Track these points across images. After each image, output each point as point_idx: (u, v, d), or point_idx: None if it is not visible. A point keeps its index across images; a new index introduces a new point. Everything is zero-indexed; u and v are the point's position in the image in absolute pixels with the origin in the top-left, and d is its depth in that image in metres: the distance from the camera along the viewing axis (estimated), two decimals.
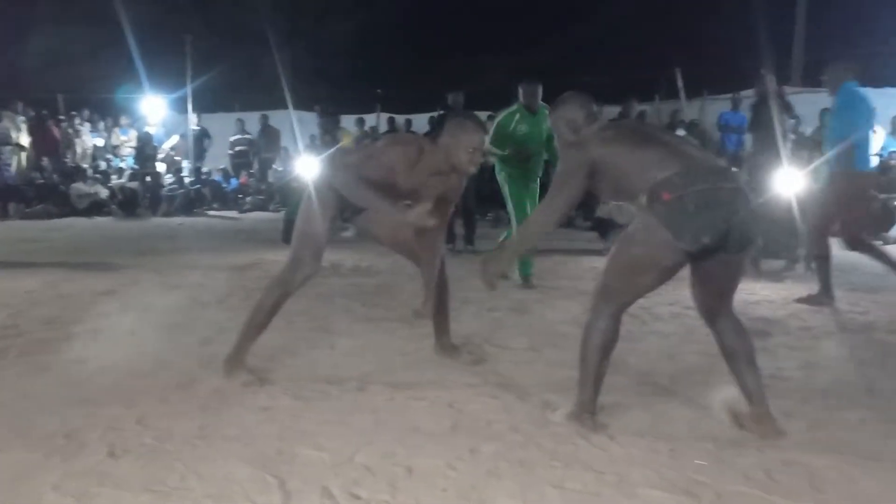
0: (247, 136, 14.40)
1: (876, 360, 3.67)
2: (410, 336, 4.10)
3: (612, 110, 11.97)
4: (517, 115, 5.74)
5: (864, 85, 7.26)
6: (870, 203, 5.01)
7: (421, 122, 13.92)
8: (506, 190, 5.82)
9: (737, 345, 2.74)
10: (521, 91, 5.74)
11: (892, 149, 9.96)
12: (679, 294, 5.16)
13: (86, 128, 14.18)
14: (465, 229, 7.92)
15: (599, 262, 6.71)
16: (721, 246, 2.53)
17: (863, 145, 5.06)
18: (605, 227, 7.86)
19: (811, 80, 13.59)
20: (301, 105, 14.54)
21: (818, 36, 15.15)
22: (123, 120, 14.58)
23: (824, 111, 10.57)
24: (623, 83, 11.49)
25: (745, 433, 2.66)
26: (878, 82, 11.25)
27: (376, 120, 14.77)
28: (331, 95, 17.14)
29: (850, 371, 3.48)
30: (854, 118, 5.02)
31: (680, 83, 12.35)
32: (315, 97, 16.28)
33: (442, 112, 8.06)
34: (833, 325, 4.44)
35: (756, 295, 5.36)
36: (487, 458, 2.44)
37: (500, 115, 5.84)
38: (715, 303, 2.76)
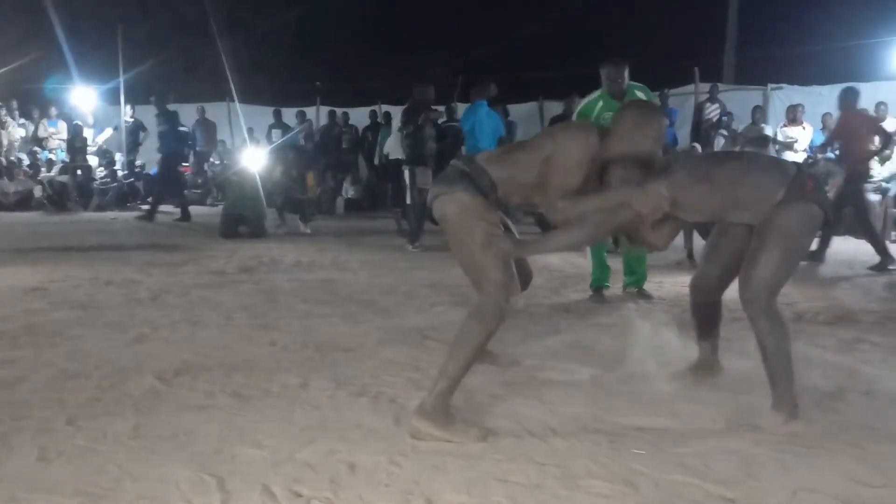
0: (182, 128, 14.06)
1: (803, 349, 3.78)
2: (353, 332, 4.07)
3: (555, 106, 12.15)
4: (600, 103, 4.88)
5: (794, 84, 7.65)
6: None
7: (360, 115, 13.85)
8: None
9: (719, 317, 3.20)
10: (602, 75, 4.93)
11: (818, 143, 10.32)
12: (618, 287, 5.26)
13: (12, 119, 13.62)
14: (412, 225, 7.73)
15: (547, 258, 6.82)
16: None
17: (483, 140, 7.64)
18: (547, 225, 7.92)
19: (743, 78, 14.03)
20: (240, 98, 14.28)
21: (749, 36, 15.61)
22: (52, 111, 14.05)
23: (756, 108, 10.94)
24: (565, 79, 11.63)
25: (683, 423, 2.73)
26: (806, 81, 11.67)
27: (316, 113, 14.60)
28: (270, 88, 16.90)
29: None
30: (472, 122, 7.90)
31: (626, 77, 12.56)
32: (254, 90, 16.03)
33: (408, 106, 7.90)
34: None
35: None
36: (431, 452, 2.44)
37: (582, 103, 5.07)
38: (731, 280, 3.01)
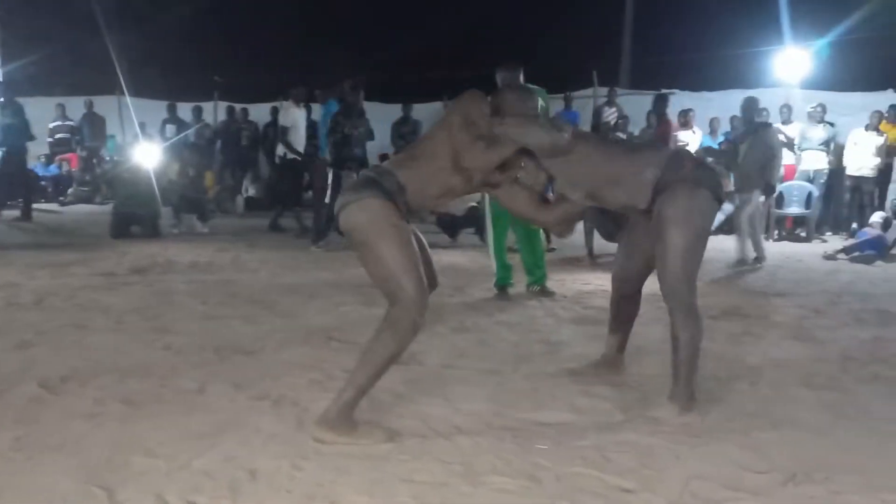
0: (68, 122, 13.35)
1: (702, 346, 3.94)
2: (253, 334, 3.96)
3: None
4: None
5: (685, 89, 8.01)
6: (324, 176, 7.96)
7: (260, 111, 13.53)
8: (485, 203, 5.25)
9: (634, 313, 3.29)
10: (498, 78, 4.94)
11: (706, 146, 10.82)
12: (523, 286, 5.34)
13: None
14: (318, 225, 7.64)
15: (451, 257, 6.86)
16: None
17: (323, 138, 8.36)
18: (448, 225, 7.95)
19: (638, 83, 14.55)
20: (132, 91, 13.68)
21: (644, 44, 16.23)
22: None
23: (650, 112, 11.34)
24: (470, 80, 11.70)
25: (583, 417, 2.80)
26: (696, 87, 12.20)
27: (214, 108, 14.16)
28: (164, 81, 16.26)
29: None
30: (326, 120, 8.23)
31: (521, 80, 12.77)
32: (147, 83, 15.40)
33: (341, 109, 7.87)
34: (660, 312, 4.74)
35: (590, 284, 5.65)
36: (334, 455, 2.40)
37: None
38: (648, 274, 3.11)
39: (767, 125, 7.83)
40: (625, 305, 3.27)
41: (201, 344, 3.73)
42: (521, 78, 5.00)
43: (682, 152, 2.90)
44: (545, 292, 5.21)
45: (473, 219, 7.66)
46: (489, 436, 2.59)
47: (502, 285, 5.22)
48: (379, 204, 2.58)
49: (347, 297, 4.95)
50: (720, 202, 2.85)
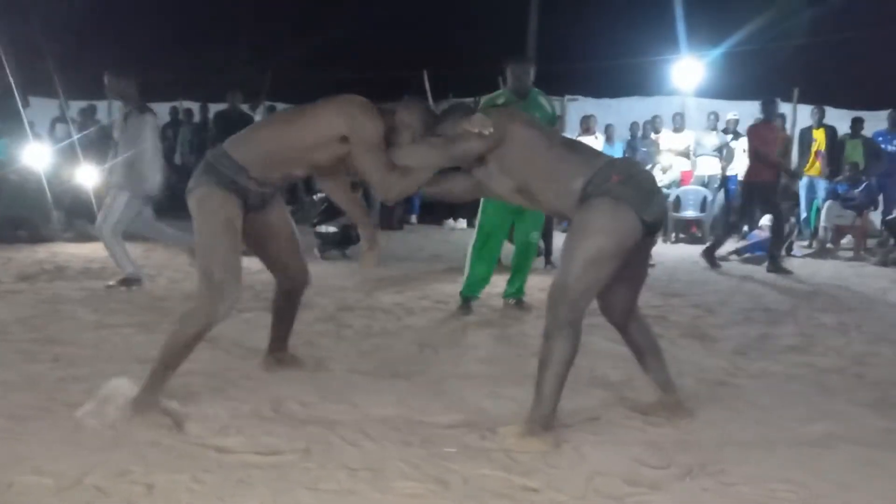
0: None
1: (597, 342, 4.01)
2: (150, 343, 3.79)
3: None
4: (500, 100, 4.69)
5: (588, 96, 8.01)
6: None
7: (157, 111, 13.06)
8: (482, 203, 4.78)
9: (648, 342, 2.95)
10: (508, 72, 4.74)
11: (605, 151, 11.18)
12: (430, 289, 5.35)
13: None
14: None
15: (336, 267, 6.79)
16: (658, 224, 2.69)
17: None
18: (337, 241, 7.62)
19: (543, 89, 14.87)
20: (26, 89, 12.92)
21: (548, 51, 16.59)
22: None
23: (555, 117, 11.59)
24: (374, 82, 11.68)
25: (490, 418, 2.81)
26: (598, 93, 12.56)
27: (108, 107, 13.56)
28: (54, 78, 15.47)
29: (580, 357, 3.80)
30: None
31: (427, 85, 12.84)
32: (36, 79, 14.61)
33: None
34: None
35: (498, 287, 5.71)
36: (236, 466, 2.32)
37: (482, 101, 4.87)
38: (630, 299, 2.87)
39: (146, 109, 5.58)
40: (629, 336, 2.95)
41: (93, 354, 3.55)
42: (532, 74, 4.82)
43: (615, 164, 2.67)
44: (521, 306, 4.96)
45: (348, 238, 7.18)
46: (397, 441, 2.57)
47: (468, 296, 4.86)
48: (206, 190, 2.76)
49: (250, 304, 4.82)
50: (645, 221, 2.58)
